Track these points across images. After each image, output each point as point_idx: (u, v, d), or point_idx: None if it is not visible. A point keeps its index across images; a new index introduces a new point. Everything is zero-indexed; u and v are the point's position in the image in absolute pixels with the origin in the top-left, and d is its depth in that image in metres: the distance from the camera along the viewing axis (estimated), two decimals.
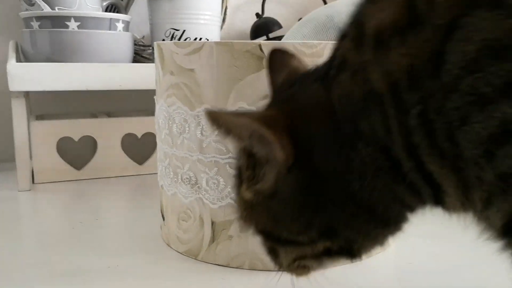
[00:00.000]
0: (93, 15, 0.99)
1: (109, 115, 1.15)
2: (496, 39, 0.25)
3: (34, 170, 1.00)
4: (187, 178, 0.62)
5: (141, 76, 0.98)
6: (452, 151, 0.28)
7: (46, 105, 1.19)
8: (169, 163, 0.64)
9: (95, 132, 1.05)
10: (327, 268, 0.41)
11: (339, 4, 0.84)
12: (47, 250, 0.67)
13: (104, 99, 1.22)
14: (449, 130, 0.27)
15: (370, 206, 0.34)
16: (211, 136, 0.59)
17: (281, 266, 0.39)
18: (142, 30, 1.25)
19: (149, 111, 0.95)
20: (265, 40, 1.17)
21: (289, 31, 0.91)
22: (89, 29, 0.98)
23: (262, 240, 0.38)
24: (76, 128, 1.03)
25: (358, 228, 0.35)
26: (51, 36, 0.96)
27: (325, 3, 1.31)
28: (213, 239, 0.61)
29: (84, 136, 1.04)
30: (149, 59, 1.14)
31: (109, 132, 1.06)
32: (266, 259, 0.46)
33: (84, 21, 0.97)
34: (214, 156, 0.59)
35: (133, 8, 1.22)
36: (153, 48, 0.98)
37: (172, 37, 1.09)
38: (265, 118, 0.35)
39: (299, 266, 0.39)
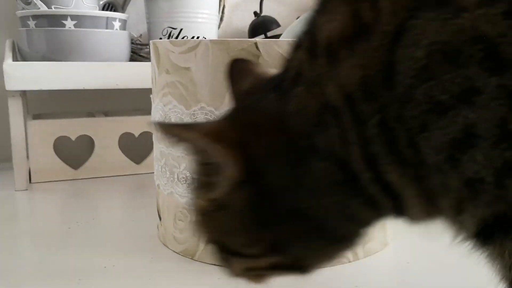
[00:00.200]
0: (90, 14, 0.98)
1: (106, 114, 1.14)
2: (445, 41, 0.24)
3: (31, 169, 1.00)
4: (183, 178, 0.62)
5: (138, 75, 0.98)
6: (414, 159, 0.28)
7: (43, 104, 1.18)
8: (165, 162, 0.64)
9: (92, 132, 1.04)
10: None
11: None
12: (43, 250, 0.66)
13: (101, 98, 1.21)
14: (410, 138, 0.27)
15: (322, 223, 0.33)
16: None
17: (234, 274, 0.38)
18: (139, 28, 1.24)
19: (147, 110, 0.94)
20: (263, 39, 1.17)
21: (287, 29, 0.91)
22: (86, 28, 0.97)
23: (213, 249, 0.38)
24: (73, 128, 1.03)
25: (308, 246, 0.35)
26: (48, 35, 0.96)
27: None
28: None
29: (81, 136, 1.04)
30: (147, 58, 1.14)
31: (106, 131, 1.05)
32: None
33: (80, 20, 0.97)
34: None
35: (130, 7, 1.21)
36: (150, 46, 0.97)
37: (170, 36, 1.09)
38: (214, 132, 0.34)
39: (253, 275, 0.39)
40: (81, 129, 1.03)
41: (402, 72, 0.26)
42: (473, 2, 0.24)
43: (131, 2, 1.21)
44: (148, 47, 1.16)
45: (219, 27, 1.21)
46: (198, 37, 1.10)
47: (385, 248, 0.66)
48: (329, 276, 0.51)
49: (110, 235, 0.73)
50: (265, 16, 1.32)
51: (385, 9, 0.26)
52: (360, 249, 0.62)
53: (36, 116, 1.08)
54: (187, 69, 0.59)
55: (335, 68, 0.28)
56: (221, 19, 1.26)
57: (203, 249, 0.62)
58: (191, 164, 0.55)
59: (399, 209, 0.32)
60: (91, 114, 1.13)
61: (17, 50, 1.04)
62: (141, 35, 1.23)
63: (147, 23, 1.14)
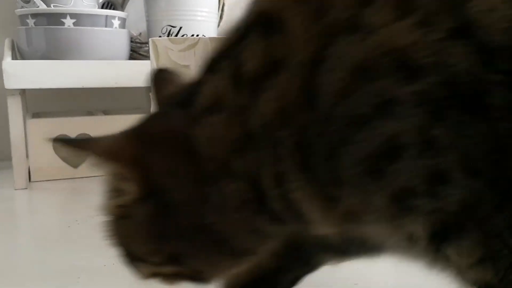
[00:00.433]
0: (89, 12, 0.98)
1: (105, 112, 1.14)
2: (363, 59, 0.25)
3: (30, 168, 1.00)
4: None
5: (138, 74, 0.98)
6: (329, 176, 0.29)
7: (42, 103, 1.18)
8: None
9: (91, 130, 1.04)
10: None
11: None
12: (43, 248, 0.66)
13: (100, 96, 1.21)
14: (330, 152, 0.28)
15: (225, 238, 0.34)
16: None
17: (143, 277, 0.39)
18: (139, 27, 1.24)
19: (146, 108, 0.94)
20: None
21: None
22: (85, 26, 0.97)
23: (120, 253, 0.38)
24: (72, 126, 1.03)
25: (208, 259, 0.36)
26: (47, 34, 0.96)
27: None
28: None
29: (80, 134, 1.03)
30: (146, 56, 1.14)
31: (105, 130, 1.04)
32: None
33: (80, 18, 0.97)
34: None
35: (130, 5, 1.21)
36: (149, 45, 0.97)
37: (169, 34, 1.09)
38: (110, 149, 0.34)
39: (162, 279, 0.39)
40: (81, 128, 1.03)
41: (324, 94, 0.26)
42: (386, 19, 0.25)
43: (130, 1, 1.20)
44: (147, 45, 1.16)
45: (218, 25, 1.21)
46: (197, 35, 1.10)
47: None
48: (329, 274, 0.50)
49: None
50: None
51: (298, 40, 0.27)
52: None
53: (36, 115, 1.08)
54: (186, 66, 0.59)
55: (256, 100, 0.29)
56: (221, 17, 1.26)
57: None
58: None
59: (303, 224, 0.32)
60: (90, 113, 1.13)
61: (16, 48, 1.04)
62: (140, 33, 1.22)
63: (147, 21, 1.14)
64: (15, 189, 0.93)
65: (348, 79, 0.26)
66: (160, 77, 0.43)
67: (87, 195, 0.92)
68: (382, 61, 0.25)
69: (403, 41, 0.25)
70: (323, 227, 0.33)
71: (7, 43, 1.02)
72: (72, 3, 1.00)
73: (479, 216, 0.28)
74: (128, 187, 0.34)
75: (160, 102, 0.41)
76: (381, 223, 0.31)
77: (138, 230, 0.35)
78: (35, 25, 0.97)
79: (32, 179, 1.00)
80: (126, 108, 1.20)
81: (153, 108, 0.42)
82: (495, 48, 0.24)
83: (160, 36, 1.09)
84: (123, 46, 1.04)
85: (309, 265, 0.45)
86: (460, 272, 0.30)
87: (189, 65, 0.58)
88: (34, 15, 0.97)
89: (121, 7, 1.18)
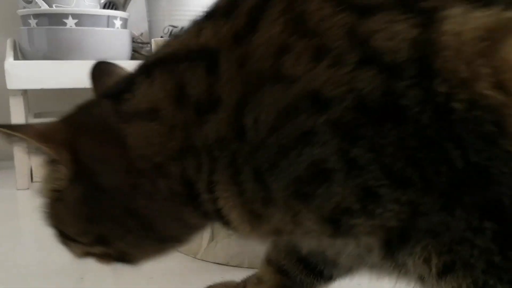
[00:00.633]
0: (91, 12, 0.98)
1: None
2: (286, 105, 0.29)
3: (32, 168, 1.00)
4: None
5: None
6: (256, 194, 0.32)
7: (44, 103, 1.18)
8: None
9: None
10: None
11: None
12: (46, 248, 0.66)
13: None
14: (258, 176, 0.31)
15: (151, 224, 0.37)
16: None
17: (76, 256, 0.42)
18: (141, 27, 1.24)
19: None
20: None
21: None
22: (87, 27, 0.97)
23: (54, 233, 0.41)
24: None
25: (134, 242, 0.38)
26: (49, 34, 0.96)
27: None
28: (212, 237, 0.61)
29: None
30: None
31: None
32: None
33: (81, 19, 0.97)
34: None
35: (131, 5, 1.21)
36: (151, 45, 0.97)
37: (171, 34, 1.09)
38: (42, 133, 0.36)
39: (96, 258, 0.41)
40: None
41: (254, 130, 0.30)
42: (305, 69, 0.28)
43: (132, 1, 1.20)
44: (149, 45, 1.16)
45: None
46: None
47: None
48: None
49: None
50: None
51: (227, 86, 0.31)
52: None
53: (38, 115, 1.08)
54: None
55: (200, 125, 0.32)
56: None
57: (206, 247, 0.62)
58: None
59: (232, 229, 0.36)
60: None
61: (18, 49, 1.04)
62: (142, 33, 1.22)
63: (148, 21, 1.14)
64: (17, 189, 0.93)
65: (274, 119, 0.29)
66: (100, 69, 0.46)
67: None
68: (302, 102, 0.29)
69: (318, 82, 0.28)
70: (247, 235, 0.35)
71: (9, 44, 1.02)
72: (74, 4, 1.00)
73: (425, 224, 0.29)
74: (59, 171, 0.36)
75: (98, 93, 0.43)
76: (321, 239, 0.34)
77: (69, 212, 0.38)
78: (37, 25, 0.97)
79: (34, 179, 1.00)
80: None
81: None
82: (399, 64, 0.27)
83: (161, 37, 1.09)
84: (125, 46, 1.04)
85: (323, 277, 0.47)
86: (435, 284, 0.30)
87: None
88: (36, 15, 0.97)
89: (123, 7, 1.18)
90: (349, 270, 0.44)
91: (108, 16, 1.00)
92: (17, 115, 0.93)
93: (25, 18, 0.99)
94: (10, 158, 0.98)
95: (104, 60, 0.47)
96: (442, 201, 0.28)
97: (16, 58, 0.97)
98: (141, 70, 0.37)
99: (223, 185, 0.33)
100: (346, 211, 0.30)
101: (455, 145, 0.26)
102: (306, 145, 0.29)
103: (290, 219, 0.32)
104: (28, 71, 0.92)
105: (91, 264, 0.61)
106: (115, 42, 1.01)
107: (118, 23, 1.02)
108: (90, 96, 0.42)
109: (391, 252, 0.31)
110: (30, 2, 0.99)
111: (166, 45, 0.38)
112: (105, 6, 1.12)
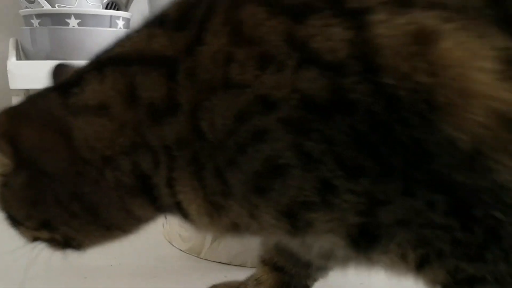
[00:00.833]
0: (93, 12, 0.98)
1: None
2: (239, 109, 0.31)
3: None
4: None
5: None
6: (216, 189, 0.33)
7: None
8: None
9: None
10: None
11: None
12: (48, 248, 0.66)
13: None
14: (218, 171, 0.32)
15: (96, 211, 0.37)
16: None
17: (28, 240, 0.42)
18: None
19: None
20: None
21: None
22: (89, 27, 0.97)
23: (4, 216, 0.41)
24: None
25: (77, 227, 0.39)
26: (51, 34, 0.96)
27: None
28: (215, 237, 0.61)
29: None
30: None
31: None
32: None
33: (84, 19, 0.97)
34: None
35: (134, 5, 1.21)
36: None
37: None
38: None
39: (45, 243, 0.42)
40: None
41: (211, 133, 0.32)
42: (252, 76, 0.30)
43: (134, 1, 1.21)
44: None
45: None
46: None
47: None
48: (334, 273, 0.50)
49: None
50: None
51: (182, 96, 0.33)
52: None
53: None
54: None
55: (157, 126, 0.34)
56: None
57: (209, 247, 0.62)
58: None
59: (191, 223, 0.37)
60: None
61: (20, 49, 1.04)
62: None
63: None
64: None
65: (230, 123, 0.31)
66: (59, 71, 0.47)
67: None
68: (253, 106, 0.30)
69: (266, 87, 0.30)
70: (206, 229, 0.37)
71: (11, 43, 1.02)
72: (76, 4, 1.01)
73: (390, 215, 0.30)
74: (3, 159, 0.37)
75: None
76: (279, 235, 0.35)
77: (15, 197, 0.39)
78: (40, 25, 0.97)
79: None
80: None
81: None
82: (341, 62, 0.28)
83: None
84: None
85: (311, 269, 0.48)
86: (416, 277, 0.32)
87: None
88: (39, 15, 0.97)
89: (125, 8, 1.18)
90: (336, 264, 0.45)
91: (111, 16, 1.00)
92: None
93: (27, 18, 0.99)
94: None
95: (64, 63, 0.49)
96: (400, 185, 0.29)
97: (18, 58, 0.97)
98: (92, 66, 0.38)
99: (183, 181, 0.34)
100: (303, 204, 0.31)
101: (403, 125, 0.28)
102: (261, 142, 0.31)
103: (247, 213, 0.33)
104: (31, 71, 0.92)
105: (94, 264, 0.61)
106: None
107: (120, 23, 1.02)
108: None
109: (361, 251, 0.32)
110: (33, 2, 0.99)
111: (119, 44, 0.39)
112: (107, 6, 1.12)
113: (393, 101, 0.28)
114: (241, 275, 0.54)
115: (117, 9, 1.14)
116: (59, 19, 0.96)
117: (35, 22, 0.97)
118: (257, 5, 0.31)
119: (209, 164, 0.33)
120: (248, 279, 0.52)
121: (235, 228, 0.35)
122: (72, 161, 0.36)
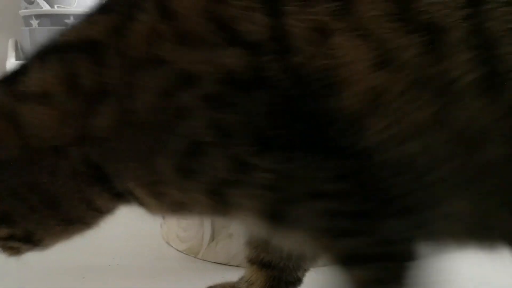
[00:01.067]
0: None
1: None
2: (162, 86, 0.32)
3: None
4: None
5: None
6: (152, 175, 0.34)
7: None
8: None
9: None
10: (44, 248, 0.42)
11: None
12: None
13: None
14: (148, 156, 0.33)
15: (55, 203, 0.37)
16: None
17: None
18: None
19: None
20: None
21: None
22: None
23: None
24: None
25: (38, 222, 0.38)
26: (51, 35, 0.96)
27: None
28: (213, 237, 0.61)
29: None
30: None
31: None
32: None
33: None
34: None
35: None
36: None
37: None
38: None
39: (5, 247, 0.41)
40: None
41: (140, 113, 0.33)
42: (176, 55, 0.32)
43: None
44: None
45: None
46: None
47: None
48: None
49: (114, 234, 0.73)
50: None
51: (113, 74, 0.33)
52: None
53: None
54: None
55: (93, 116, 0.34)
56: None
57: (207, 247, 0.62)
58: None
59: (144, 207, 0.38)
60: None
61: (20, 49, 1.04)
62: None
63: None
64: None
65: (156, 100, 0.32)
66: None
67: None
68: (177, 82, 0.32)
69: (187, 62, 0.32)
70: (158, 212, 0.39)
71: (11, 44, 1.02)
72: (75, 4, 1.01)
73: (294, 189, 0.32)
74: None
75: None
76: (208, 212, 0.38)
77: None
78: (39, 26, 0.97)
79: None
80: None
81: None
82: (261, 43, 0.31)
83: None
84: None
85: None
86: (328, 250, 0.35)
87: None
88: (38, 16, 0.97)
89: None
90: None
91: None
92: None
93: (27, 19, 0.99)
94: None
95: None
96: (302, 155, 0.31)
97: (18, 58, 0.98)
98: (37, 55, 0.38)
99: (127, 171, 0.35)
100: (225, 181, 0.33)
101: (308, 97, 0.31)
102: (183, 120, 0.32)
103: (182, 194, 0.35)
104: None
105: (93, 264, 0.61)
106: None
107: None
108: None
109: (278, 227, 0.34)
110: (32, 3, 0.99)
111: (63, 34, 0.39)
112: None
113: (303, 77, 0.31)
114: (238, 275, 0.54)
115: None
116: (59, 19, 0.97)
117: (35, 22, 0.97)
118: None
119: (143, 150, 0.34)
120: (239, 281, 0.51)
121: (181, 208, 0.37)
122: (24, 149, 0.36)
